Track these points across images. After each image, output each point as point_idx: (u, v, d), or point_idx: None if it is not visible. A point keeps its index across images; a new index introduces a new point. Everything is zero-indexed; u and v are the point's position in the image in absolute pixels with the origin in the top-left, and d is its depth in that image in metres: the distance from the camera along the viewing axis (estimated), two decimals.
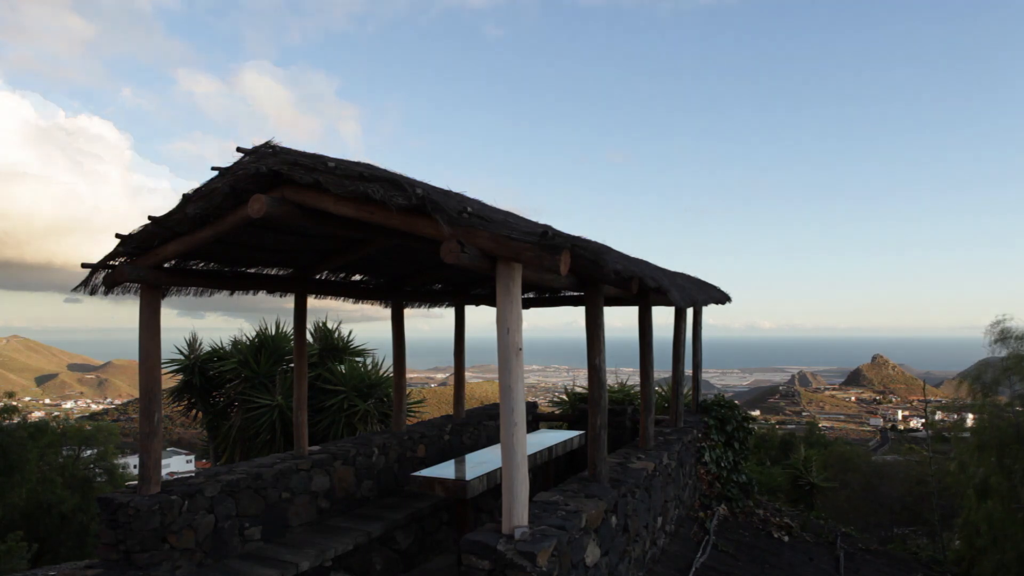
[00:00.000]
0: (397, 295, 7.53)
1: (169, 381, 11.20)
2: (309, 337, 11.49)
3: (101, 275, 5.00)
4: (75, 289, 5.05)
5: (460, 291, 8.40)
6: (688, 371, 8.76)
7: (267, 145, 4.16)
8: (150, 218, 4.71)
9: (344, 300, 7.22)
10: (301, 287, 6.38)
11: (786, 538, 7.73)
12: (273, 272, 6.13)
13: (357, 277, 7.22)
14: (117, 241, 4.85)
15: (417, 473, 6.09)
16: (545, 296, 8.92)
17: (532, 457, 6.68)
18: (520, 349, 3.87)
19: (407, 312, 7.80)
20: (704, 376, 9.76)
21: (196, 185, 4.52)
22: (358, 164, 3.99)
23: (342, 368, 11.11)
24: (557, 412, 10.57)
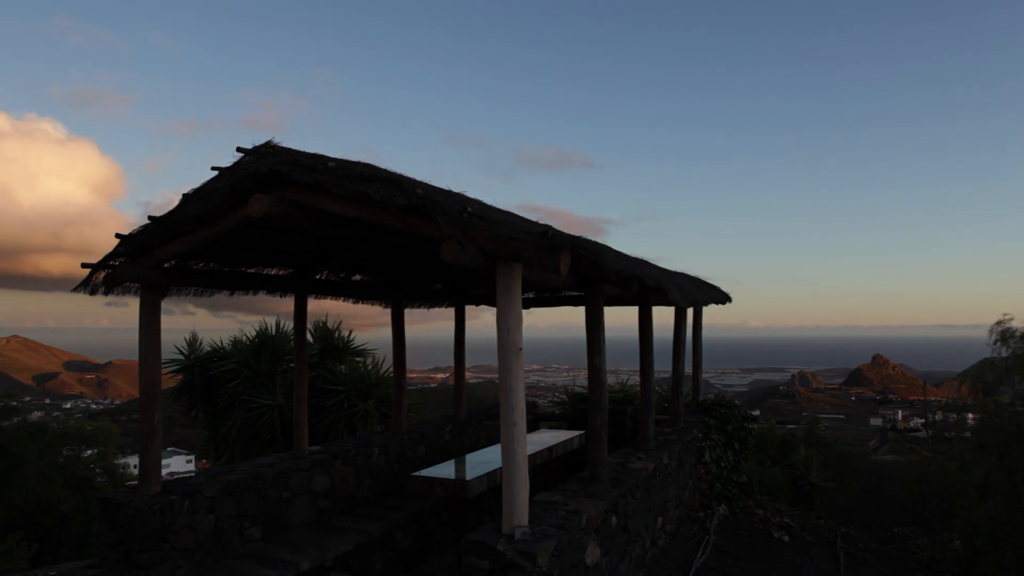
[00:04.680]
0: (397, 295, 7.53)
1: (169, 381, 11.20)
2: (309, 337, 11.48)
3: (101, 275, 5.01)
4: (75, 289, 5.05)
5: (460, 291, 8.40)
6: (688, 371, 8.76)
7: (267, 145, 4.17)
8: (150, 218, 4.71)
9: (344, 300, 7.22)
10: (301, 287, 6.38)
11: (786, 538, 7.72)
12: (273, 272, 6.13)
13: (357, 277, 7.22)
14: (117, 241, 4.85)
15: (417, 473, 6.09)
16: (545, 296, 8.92)
17: (532, 457, 6.68)
18: (520, 349, 3.86)
19: (407, 313, 7.81)
20: (704, 376, 9.76)
21: None
22: (358, 164, 3.99)
23: (342, 368, 11.11)
24: (557, 412, 10.56)
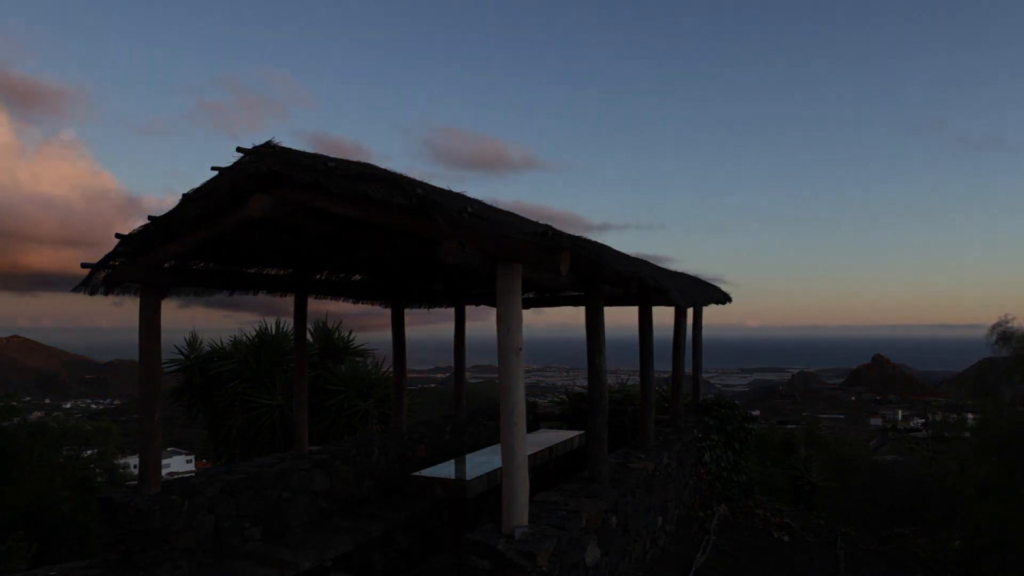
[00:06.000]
0: (397, 295, 7.53)
1: (169, 381, 11.19)
2: (309, 337, 11.48)
3: (102, 275, 5.01)
4: (75, 289, 5.06)
5: (460, 291, 8.40)
6: (688, 371, 8.75)
7: (267, 145, 4.17)
8: (150, 218, 4.72)
9: (344, 300, 7.22)
10: (301, 287, 6.38)
11: (786, 538, 7.72)
12: (273, 272, 6.13)
13: (357, 277, 7.22)
14: (117, 241, 4.86)
15: (417, 473, 6.10)
16: (545, 296, 8.92)
17: (532, 457, 6.68)
18: (520, 349, 3.87)
19: (408, 313, 7.81)
20: (704, 376, 9.75)
21: None
22: (358, 164, 4.00)
23: (342, 368, 11.11)
24: (557, 412, 10.56)
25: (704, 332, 9.26)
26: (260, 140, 4.19)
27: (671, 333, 8.07)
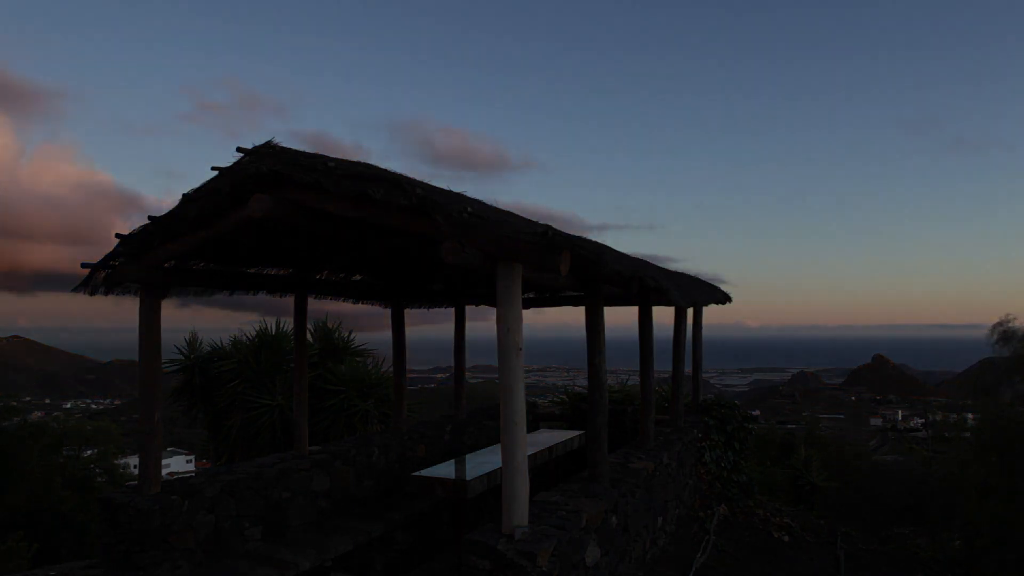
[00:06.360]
0: (397, 295, 7.53)
1: (170, 381, 11.18)
2: (309, 337, 11.48)
3: (102, 275, 5.01)
4: (75, 289, 5.06)
5: (460, 291, 8.40)
6: (688, 371, 8.76)
7: (267, 145, 4.17)
8: (150, 218, 4.72)
9: (344, 300, 7.22)
10: (301, 287, 6.39)
11: (786, 538, 7.72)
12: (273, 272, 6.14)
13: (357, 277, 7.22)
14: (117, 241, 4.86)
15: (417, 473, 6.10)
16: (545, 296, 8.92)
17: (532, 457, 6.68)
18: (520, 349, 3.87)
19: (408, 313, 7.80)
20: (704, 376, 9.75)
21: None
22: (358, 164, 4.00)
23: (342, 368, 11.11)
24: (557, 412, 10.56)
25: (704, 332, 9.25)
26: (260, 140, 4.20)
27: (671, 333, 8.07)
